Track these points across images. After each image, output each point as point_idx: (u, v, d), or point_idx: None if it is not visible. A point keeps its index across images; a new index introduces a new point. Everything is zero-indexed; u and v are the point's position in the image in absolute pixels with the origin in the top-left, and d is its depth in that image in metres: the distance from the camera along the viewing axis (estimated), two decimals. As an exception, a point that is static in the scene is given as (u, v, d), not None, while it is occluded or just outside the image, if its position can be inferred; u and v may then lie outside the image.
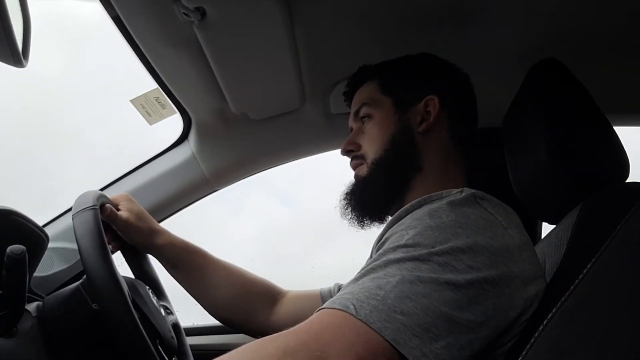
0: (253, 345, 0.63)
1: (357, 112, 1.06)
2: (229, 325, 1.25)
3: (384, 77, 1.04)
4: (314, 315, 0.66)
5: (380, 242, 0.79)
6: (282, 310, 1.22)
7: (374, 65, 1.08)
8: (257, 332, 1.22)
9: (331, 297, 1.16)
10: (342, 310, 0.63)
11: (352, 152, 1.04)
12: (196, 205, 1.55)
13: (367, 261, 1.01)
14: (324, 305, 0.67)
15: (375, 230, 1.03)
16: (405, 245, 0.70)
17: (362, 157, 1.02)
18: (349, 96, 1.11)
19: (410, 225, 0.74)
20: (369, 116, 1.03)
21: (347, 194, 1.05)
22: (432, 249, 0.68)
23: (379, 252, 0.73)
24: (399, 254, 0.69)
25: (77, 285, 0.93)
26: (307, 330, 0.63)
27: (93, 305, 0.89)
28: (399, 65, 1.05)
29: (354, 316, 0.62)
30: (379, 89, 1.03)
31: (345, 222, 1.05)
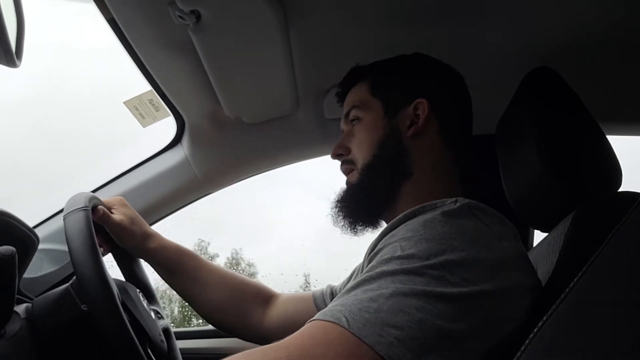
0: (241, 358, 0.62)
1: (347, 115, 1.04)
2: (221, 328, 1.24)
3: (374, 78, 1.02)
4: (306, 326, 0.65)
5: (372, 252, 0.77)
6: (275, 312, 1.21)
7: (367, 65, 1.06)
8: (250, 335, 1.21)
9: (323, 299, 1.16)
10: (335, 323, 0.62)
11: (342, 155, 1.03)
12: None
13: (358, 270, 1.01)
14: (315, 317, 0.66)
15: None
16: (399, 257, 0.69)
17: (352, 163, 1.01)
18: (341, 97, 1.09)
19: (405, 237, 0.73)
20: (358, 119, 1.01)
21: (337, 201, 1.03)
22: (427, 262, 0.67)
23: (371, 264, 0.72)
24: (392, 266, 0.68)
25: (67, 287, 0.92)
26: (298, 345, 0.62)
27: (82, 306, 0.89)
28: (390, 66, 1.03)
29: (347, 329, 0.61)
30: (369, 91, 1.01)
31: (338, 229, 1.03)
